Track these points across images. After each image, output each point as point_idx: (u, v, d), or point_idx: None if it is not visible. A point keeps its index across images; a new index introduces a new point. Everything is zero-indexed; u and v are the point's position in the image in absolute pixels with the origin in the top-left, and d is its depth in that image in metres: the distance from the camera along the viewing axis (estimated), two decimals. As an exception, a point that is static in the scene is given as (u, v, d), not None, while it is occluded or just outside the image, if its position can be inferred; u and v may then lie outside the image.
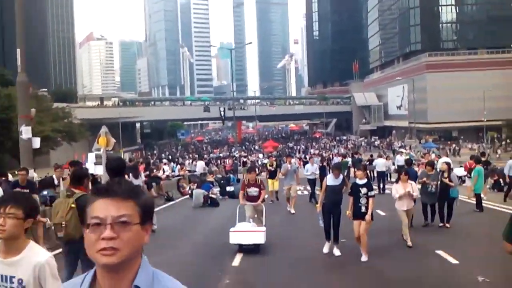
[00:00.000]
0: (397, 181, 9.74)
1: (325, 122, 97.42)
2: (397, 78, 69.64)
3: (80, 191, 5.22)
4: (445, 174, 11.30)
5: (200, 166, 23.21)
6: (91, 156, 10.88)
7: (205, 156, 52.23)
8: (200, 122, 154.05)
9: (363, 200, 8.08)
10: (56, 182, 10.58)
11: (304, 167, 35.76)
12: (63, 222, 5.02)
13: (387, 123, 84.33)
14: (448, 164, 12.00)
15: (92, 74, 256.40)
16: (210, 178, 21.21)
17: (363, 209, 8.08)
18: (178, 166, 22.50)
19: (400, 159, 22.94)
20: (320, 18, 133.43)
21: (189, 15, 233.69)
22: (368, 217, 8.04)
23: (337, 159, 24.91)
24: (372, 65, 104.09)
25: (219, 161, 33.15)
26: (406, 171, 10.29)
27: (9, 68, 62.49)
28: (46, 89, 48.97)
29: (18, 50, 11.95)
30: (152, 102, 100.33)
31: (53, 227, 5.31)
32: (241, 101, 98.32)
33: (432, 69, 69.47)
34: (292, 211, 14.25)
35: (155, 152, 77.33)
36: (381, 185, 19.94)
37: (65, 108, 48.68)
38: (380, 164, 21.15)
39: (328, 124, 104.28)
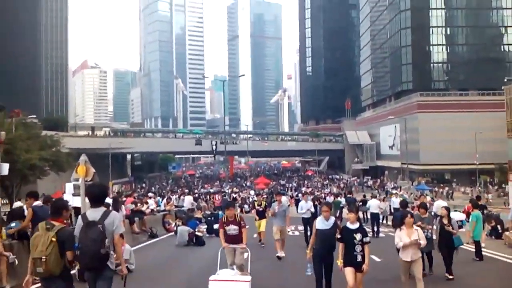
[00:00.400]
0: (399, 226, 8.39)
1: (317, 159, 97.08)
2: (389, 117, 69.83)
3: (59, 224, 5.15)
4: (445, 220, 10.45)
5: (188, 201, 22.37)
6: (69, 187, 10.19)
7: (196, 191, 51.32)
8: (192, 155, 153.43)
9: (358, 248, 7.19)
10: (26, 213, 9.85)
11: (296, 206, 35.12)
12: (43, 257, 4.88)
13: (380, 163, 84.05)
14: (447, 208, 11.26)
15: (85, 102, 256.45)
16: (198, 214, 20.38)
17: (358, 258, 7.19)
18: (164, 201, 21.37)
19: (396, 201, 21.96)
20: (313, 54, 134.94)
21: (184, 46, 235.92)
22: (365, 267, 7.17)
23: (329, 199, 23.92)
24: (365, 103, 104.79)
25: (208, 197, 32.07)
26: (411, 213, 9.25)
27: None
28: (35, 115, 47.98)
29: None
30: (143, 134, 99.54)
31: (30, 262, 5.08)
32: (233, 135, 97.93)
33: (424, 109, 69.75)
34: (282, 254, 12.80)
35: (144, 185, 76.23)
36: (375, 228, 18.91)
37: (53, 136, 47.63)
38: (374, 205, 19.98)
39: (320, 161, 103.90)
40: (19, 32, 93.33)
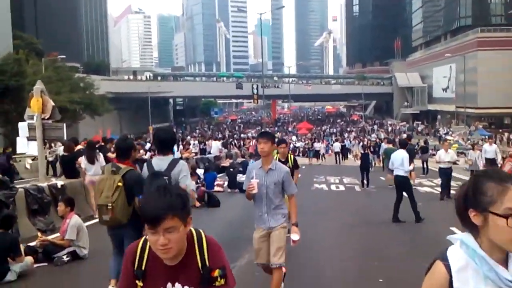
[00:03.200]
0: None
1: (363, 104, 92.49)
2: (446, 55, 63.76)
3: (126, 166, 4.70)
4: None
5: (215, 147, 19.44)
6: (23, 127, 7.65)
7: (235, 136, 48.64)
8: (234, 101, 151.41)
9: None
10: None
11: (341, 155, 30.93)
12: (109, 204, 4.44)
13: (431, 107, 78.51)
14: None
15: (130, 48, 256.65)
16: (225, 162, 17.68)
17: None
18: (180, 147, 17.16)
19: (491, 150, 16.37)
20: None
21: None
22: None
23: (385, 146, 18.64)
24: (415, 43, 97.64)
25: (242, 142, 28.86)
26: None
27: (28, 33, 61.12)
28: (64, 56, 46.14)
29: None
30: (183, 78, 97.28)
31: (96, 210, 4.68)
32: (276, 78, 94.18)
33: (484, 46, 63.17)
34: None
35: (182, 130, 74.76)
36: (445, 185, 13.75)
37: (85, 78, 45.78)
38: (443, 155, 13.74)
39: (366, 106, 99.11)
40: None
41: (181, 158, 16.02)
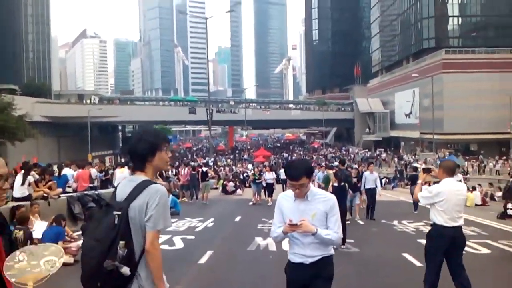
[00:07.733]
0: None
1: (324, 131, 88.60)
2: (413, 75, 60.51)
3: None
4: None
5: (120, 178, 13.48)
6: None
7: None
8: (191, 128, 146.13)
9: None
10: None
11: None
12: None
13: (394, 133, 75.09)
14: None
15: (85, 74, 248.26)
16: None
17: None
18: (29, 178, 9.78)
19: None
20: (320, 15, 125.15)
21: (185, 15, 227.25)
22: None
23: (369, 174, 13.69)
24: (376, 69, 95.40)
25: (175, 171, 22.85)
26: None
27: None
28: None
29: None
30: (132, 101, 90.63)
31: None
32: (232, 103, 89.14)
33: (450, 68, 60.41)
34: None
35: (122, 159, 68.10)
36: None
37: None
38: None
39: (327, 134, 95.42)
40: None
41: (29, 197, 9.94)
